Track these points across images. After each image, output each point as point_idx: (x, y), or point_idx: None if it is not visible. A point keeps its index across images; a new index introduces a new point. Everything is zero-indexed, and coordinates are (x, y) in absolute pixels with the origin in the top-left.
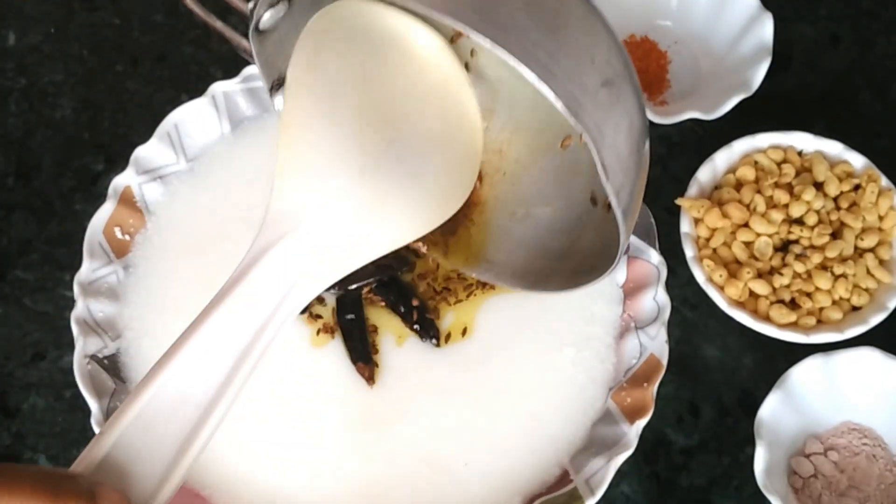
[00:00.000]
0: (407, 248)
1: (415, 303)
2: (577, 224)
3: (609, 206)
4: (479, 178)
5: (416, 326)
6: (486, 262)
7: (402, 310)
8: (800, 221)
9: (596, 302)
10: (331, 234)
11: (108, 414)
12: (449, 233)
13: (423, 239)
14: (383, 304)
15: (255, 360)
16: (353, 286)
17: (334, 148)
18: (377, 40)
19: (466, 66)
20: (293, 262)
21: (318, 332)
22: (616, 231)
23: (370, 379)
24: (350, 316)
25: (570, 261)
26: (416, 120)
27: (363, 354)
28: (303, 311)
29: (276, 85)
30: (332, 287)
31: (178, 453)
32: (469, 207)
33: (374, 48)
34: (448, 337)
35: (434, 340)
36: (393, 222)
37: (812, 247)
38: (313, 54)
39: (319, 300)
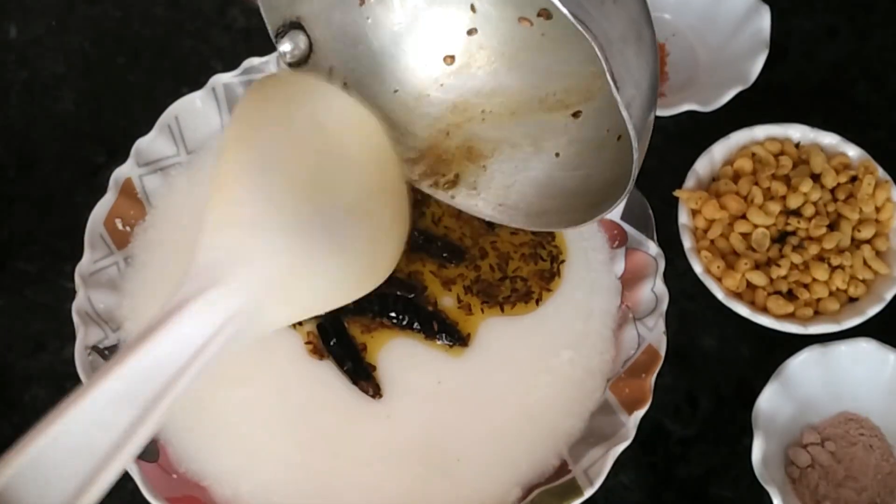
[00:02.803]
0: (411, 273)
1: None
2: (590, 159)
3: (620, 137)
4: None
5: (439, 336)
6: (498, 204)
7: (420, 326)
8: (797, 213)
9: (594, 297)
10: (254, 293)
11: None
12: (451, 179)
13: (430, 178)
14: (393, 326)
15: (164, 408)
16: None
17: (266, 208)
18: (317, 113)
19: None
20: (212, 317)
21: (309, 351)
22: (629, 160)
23: (376, 394)
24: (333, 341)
25: (585, 197)
26: (346, 191)
27: (362, 373)
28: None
29: (282, 31)
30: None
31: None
32: (468, 150)
33: (313, 118)
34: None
35: (462, 342)
36: (316, 287)
37: (809, 238)
38: (254, 114)
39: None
